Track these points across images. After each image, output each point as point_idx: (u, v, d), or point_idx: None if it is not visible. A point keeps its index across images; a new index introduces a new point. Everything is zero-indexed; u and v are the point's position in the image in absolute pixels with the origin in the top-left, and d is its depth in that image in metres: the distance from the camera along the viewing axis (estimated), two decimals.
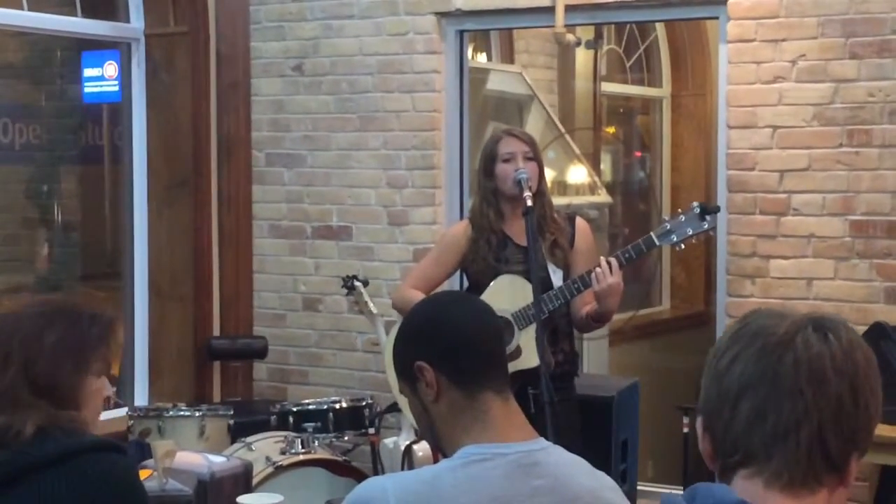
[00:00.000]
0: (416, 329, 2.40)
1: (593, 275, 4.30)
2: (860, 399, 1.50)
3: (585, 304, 4.50)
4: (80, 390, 2.48)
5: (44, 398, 2.43)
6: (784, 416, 1.49)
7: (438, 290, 4.64)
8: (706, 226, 4.44)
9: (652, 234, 4.46)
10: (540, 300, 4.24)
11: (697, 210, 4.42)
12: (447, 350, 2.31)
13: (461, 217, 5.97)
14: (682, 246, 4.50)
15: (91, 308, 2.58)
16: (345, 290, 5.50)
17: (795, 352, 1.49)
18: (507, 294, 4.40)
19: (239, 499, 3.69)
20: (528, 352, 4.30)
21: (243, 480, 3.75)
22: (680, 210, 4.49)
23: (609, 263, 4.31)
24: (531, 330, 4.32)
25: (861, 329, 4.83)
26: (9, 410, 2.40)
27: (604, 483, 2.31)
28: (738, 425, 1.52)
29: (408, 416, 4.94)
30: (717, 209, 4.62)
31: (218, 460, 3.73)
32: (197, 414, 5.32)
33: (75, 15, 6.39)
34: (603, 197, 8.39)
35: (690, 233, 4.42)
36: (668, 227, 4.43)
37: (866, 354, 1.53)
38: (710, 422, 1.55)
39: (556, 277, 4.51)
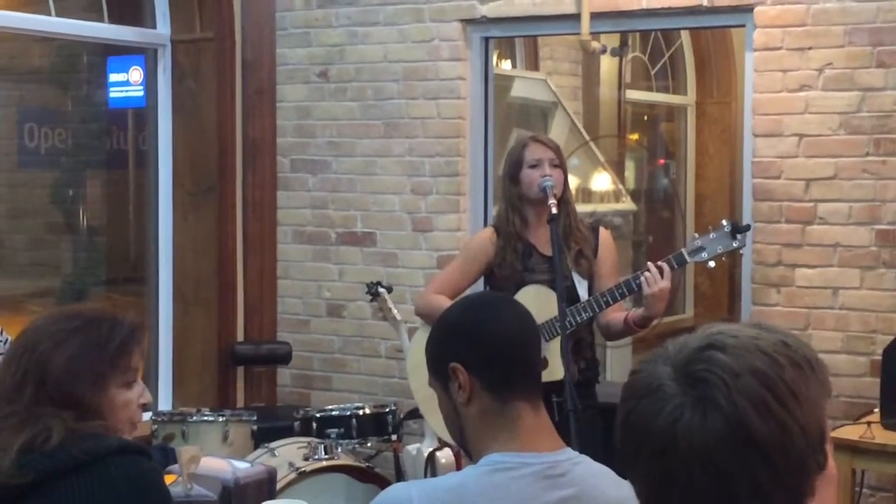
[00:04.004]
0: (456, 328, 2.35)
1: (643, 279, 4.29)
2: (779, 463, 1.35)
3: (614, 311, 4.49)
4: (101, 404, 2.48)
5: (66, 410, 2.44)
6: None
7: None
8: (736, 244, 4.42)
9: (683, 250, 4.43)
10: (565, 310, 4.22)
11: (728, 228, 4.39)
12: (486, 356, 2.29)
13: (485, 224, 5.96)
14: (713, 264, 4.47)
15: (112, 318, 2.57)
16: (369, 297, 5.50)
17: (681, 449, 1.35)
18: (532, 305, 4.33)
19: None
20: (554, 363, 4.28)
21: (267, 486, 3.74)
22: (710, 227, 4.46)
23: (660, 268, 4.29)
24: (557, 341, 4.30)
25: (887, 339, 4.81)
26: (33, 423, 2.41)
27: (630, 494, 2.29)
28: None
29: (431, 423, 4.93)
30: (748, 228, 4.60)
31: (242, 466, 3.72)
32: (221, 419, 5.33)
33: (102, 21, 6.41)
34: (627, 204, 8.39)
35: (720, 250, 4.40)
36: (699, 244, 4.40)
37: (764, 402, 1.35)
38: None
39: (582, 288, 4.50)
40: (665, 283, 4.28)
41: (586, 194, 8.00)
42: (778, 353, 1.39)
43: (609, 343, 6.27)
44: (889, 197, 5.15)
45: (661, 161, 9.70)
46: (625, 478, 2.32)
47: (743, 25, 5.53)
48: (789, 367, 1.38)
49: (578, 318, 4.36)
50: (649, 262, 4.35)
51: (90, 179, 7.27)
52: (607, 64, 8.63)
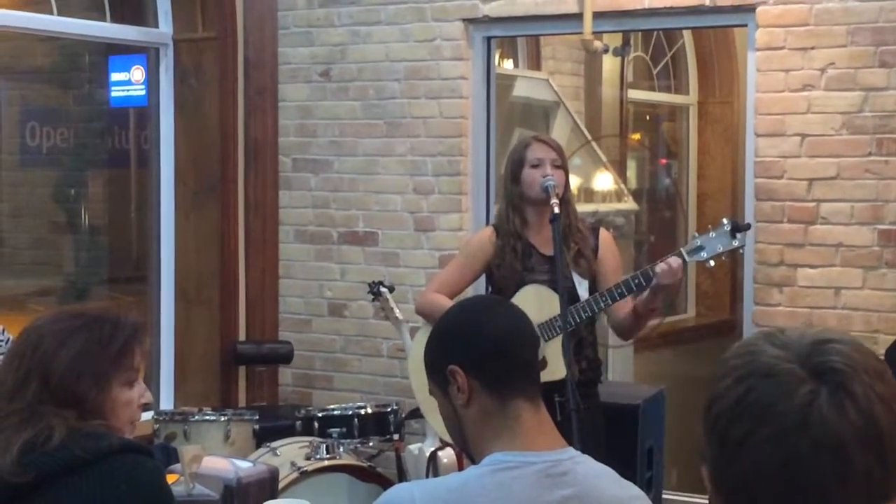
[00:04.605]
0: (451, 332, 2.37)
1: (658, 269, 4.23)
2: (890, 460, 1.35)
3: (623, 307, 4.44)
4: (103, 402, 2.48)
5: (68, 409, 2.44)
6: None
7: (462, 296, 4.62)
8: (736, 243, 4.35)
9: (682, 250, 4.37)
10: (567, 310, 4.20)
11: (728, 227, 4.32)
12: (482, 357, 2.29)
13: (487, 223, 5.95)
14: (712, 263, 4.41)
15: (115, 318, 2.58)
16: (370, 296, 5.50)
17: (812, 433, 1.33)
18: (532, 304, 4.33)
19: None
20: (553, 363, 4.27)
21: (269, 486, 3.75)
22: (710, 226, 4.40)
23: (669, 264, 4.24)
24: (557, 341, 4.29)
25: (889, 339, 4.80)
26: (35, 421, 2.41)
27: (632, 493, 2.30)
28: None
29: (432, 423, 4.93)
30: (748, 226, 4.55)
31: (244, 465, 3.73)
32: (222, 418, 5.33)
33: (104, 20, 6.42)
34: (629, 204, 8.39)
35: (720, 249, 4.33)
36: (698, 244, 4.34)
37: (886, 398, 1.36)
38: (724, 497, 1.42)
39: (582, 289, 4.46)
40: (679, 275, 4.26)
41: (588, 194, 7.99)
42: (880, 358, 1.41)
43: (611, 343, 6.26)
44: (891, 197, 5.15)
45: (663, 161, 9.70)
46: (628, 478, 2.33)
47: (745, 25, 5.52)
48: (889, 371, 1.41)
49: (577, 318, 4.34)
50: (658, 261, 4.28)
51: (92, 178, 7.28)
52: (609, 63, 8.63)
